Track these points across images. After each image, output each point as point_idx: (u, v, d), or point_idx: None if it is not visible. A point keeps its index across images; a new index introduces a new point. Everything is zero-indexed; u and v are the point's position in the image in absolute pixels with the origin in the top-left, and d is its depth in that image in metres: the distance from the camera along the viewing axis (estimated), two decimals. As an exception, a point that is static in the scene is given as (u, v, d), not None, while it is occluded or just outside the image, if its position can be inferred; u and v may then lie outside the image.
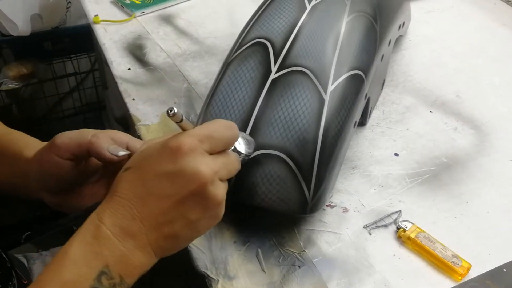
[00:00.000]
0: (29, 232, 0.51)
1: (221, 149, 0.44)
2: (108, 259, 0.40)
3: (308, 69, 0.56)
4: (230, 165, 0.44)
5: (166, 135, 0.46)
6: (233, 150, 0.47)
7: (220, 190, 0.42)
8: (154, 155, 0.42)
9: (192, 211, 0.42)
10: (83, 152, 0.49)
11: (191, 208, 0.41)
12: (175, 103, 0.73)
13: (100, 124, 1.74)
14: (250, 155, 0.49)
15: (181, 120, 0.41)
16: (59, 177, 0.50)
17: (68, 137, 0.49)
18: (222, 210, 0.44)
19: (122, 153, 0.48)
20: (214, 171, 0.42)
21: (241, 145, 0.48)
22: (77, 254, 0.39)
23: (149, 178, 0.41)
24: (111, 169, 0.50)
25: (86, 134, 0.49)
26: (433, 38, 0.88)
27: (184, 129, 0.43)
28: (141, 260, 0.41)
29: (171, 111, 0.40)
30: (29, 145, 0.53)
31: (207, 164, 0.41)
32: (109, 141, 0.48)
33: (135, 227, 0.41)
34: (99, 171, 0.53)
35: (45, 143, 0.53)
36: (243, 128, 0.54)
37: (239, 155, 0.47)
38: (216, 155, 0.43)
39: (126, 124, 0.88)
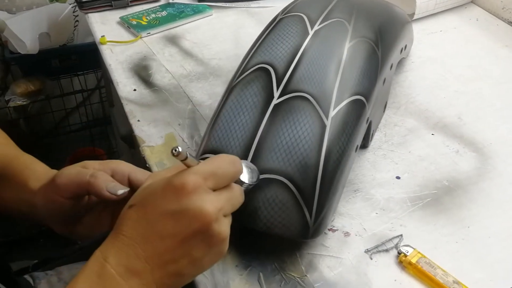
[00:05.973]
0: (36, 261, 0.52)
1: (225, 185, 0.44)
2: None
3: (310, 95, 0.57)
4: (234, 199, 0.45)
5: (170, 168, 0.46)
6: (236, 180, 0.47)
7: (224, 227, 0.42)
8: (158, 193, 0.42)
9: (197, 249, 0.42)
10: (83, 191, 0.50)
11: (195, 246, 0.41)
12: (179, 124, 0.74)
13: (106, 139, 1.75)
14: (253, 184, 0.49)
15: (186, 158, 0.41)
16: (63, 212, 0.51)
17: (68, 178, 0.50)
18: (226, 246, 0.44)
19: (121, 191, 0.48)
20: (218, 208, 0.42)
21: (244, 175, 0.48)
22: None
23: (153, 217, 0.41)
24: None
25: (85, 173, 0.49)
26: (436, 60, 0.88)
27: (188, 166, 0.43)
28: None
29: (175, 150, 0.40)
30: (35, 173, 0.54)
31: (211, 202, 0.41)
32: (107, 179, 0.49)
33: (140, 266, 0.40)
34: (103, 201, 0.53)
35: (51, 172, 0.54)
36: (245, 153, 0.55)
37: (242, 184, 0.47)
38: (220, 190, 0.43)
39: (131, 142, 0.89)
